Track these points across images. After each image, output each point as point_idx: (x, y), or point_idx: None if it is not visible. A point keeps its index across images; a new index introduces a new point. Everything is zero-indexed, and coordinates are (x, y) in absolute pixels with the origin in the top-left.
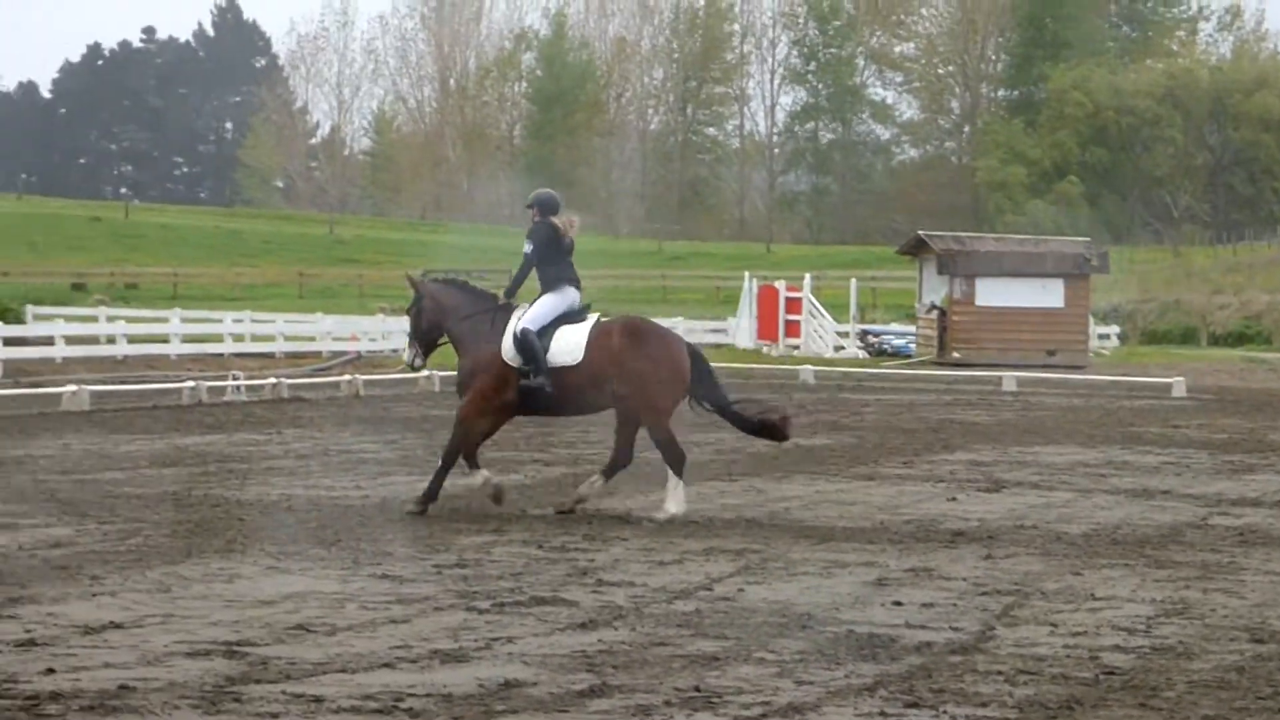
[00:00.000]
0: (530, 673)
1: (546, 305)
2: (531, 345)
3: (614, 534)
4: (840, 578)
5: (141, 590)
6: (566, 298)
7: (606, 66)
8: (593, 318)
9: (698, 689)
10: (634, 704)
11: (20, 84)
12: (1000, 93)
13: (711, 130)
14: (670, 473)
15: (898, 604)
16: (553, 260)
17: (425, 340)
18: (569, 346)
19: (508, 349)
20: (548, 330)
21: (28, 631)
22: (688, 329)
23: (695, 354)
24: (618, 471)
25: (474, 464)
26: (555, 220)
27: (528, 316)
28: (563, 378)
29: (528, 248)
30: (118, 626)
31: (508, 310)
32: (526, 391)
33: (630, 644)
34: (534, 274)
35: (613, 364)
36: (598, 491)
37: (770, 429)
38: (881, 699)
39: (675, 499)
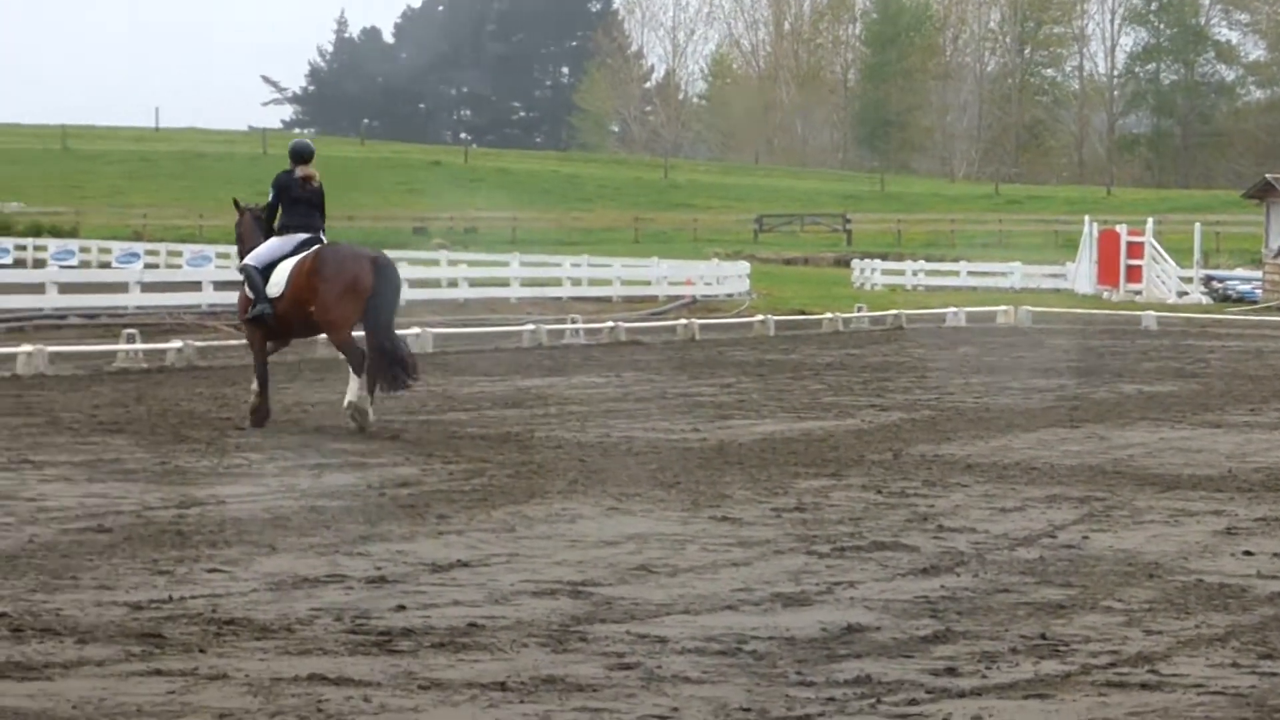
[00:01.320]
0: (872, 617)
1: (269, 247)
2: (251, 278)
3: (954, 480)
4: (1188, 526)
5: (487, 529)
6: (288, 243)
7: (943, 8)
8: (309, 252)
9: (1044, 636)
10: (979, 650)
11: (364, 30)
12: None
13: (1049, 71)
14: (351, 371)
15: (1248, 554)
16: (287, 207)
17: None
18: (278, 280)
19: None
20: (272, 267)
21: (378, 569)
22: (1025, 274)
23: (383, 273)
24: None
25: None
26: (298, 170)
27: (251, 254)
28: (276, 307)
29: (270, 194)
30: (465, 565)
31: None
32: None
33: (973, 590)
34: None
35: (306, 288)
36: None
37: (381, 377)
38: (1234, 650)
39: (352, 390)
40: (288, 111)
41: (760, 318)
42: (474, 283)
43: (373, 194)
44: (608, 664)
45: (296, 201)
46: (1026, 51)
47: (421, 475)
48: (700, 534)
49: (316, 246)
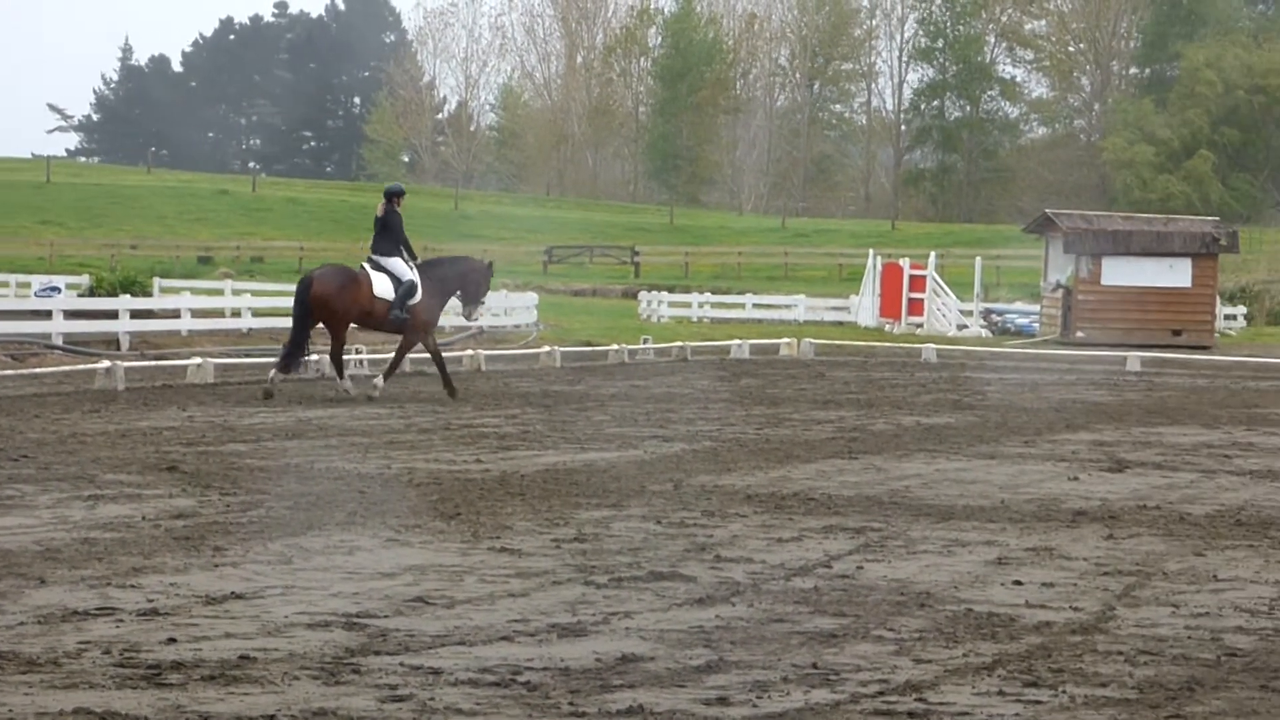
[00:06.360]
0: (647, 647)
1: None
2: None
3: (733, 510)
4: (960, 556)
5: (263, 561)
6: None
7: (734, 43)
8: None
9: (815, 666)
10: (751, 680)
11: (152, 58)
12: (1131, 70)
13: (838, 107)
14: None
15: (1018, 583)
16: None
17: None
18: None
19: None
20: None
21: (150, 601)
22: (809, 306)
23: (299, 291)
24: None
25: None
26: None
27: None
28: None
29: None
30: (239, 597)
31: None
32: None
33: (748, 620)
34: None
35: None
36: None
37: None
38: (1000, 678)
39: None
40: (74, 139)
41: (547, 349)
42: (258, 312)
43: (156, 223)
44: (380, 696)
45: (376, 229)
46: (815, 87)
47: (198, 507)
48: (479, 565)
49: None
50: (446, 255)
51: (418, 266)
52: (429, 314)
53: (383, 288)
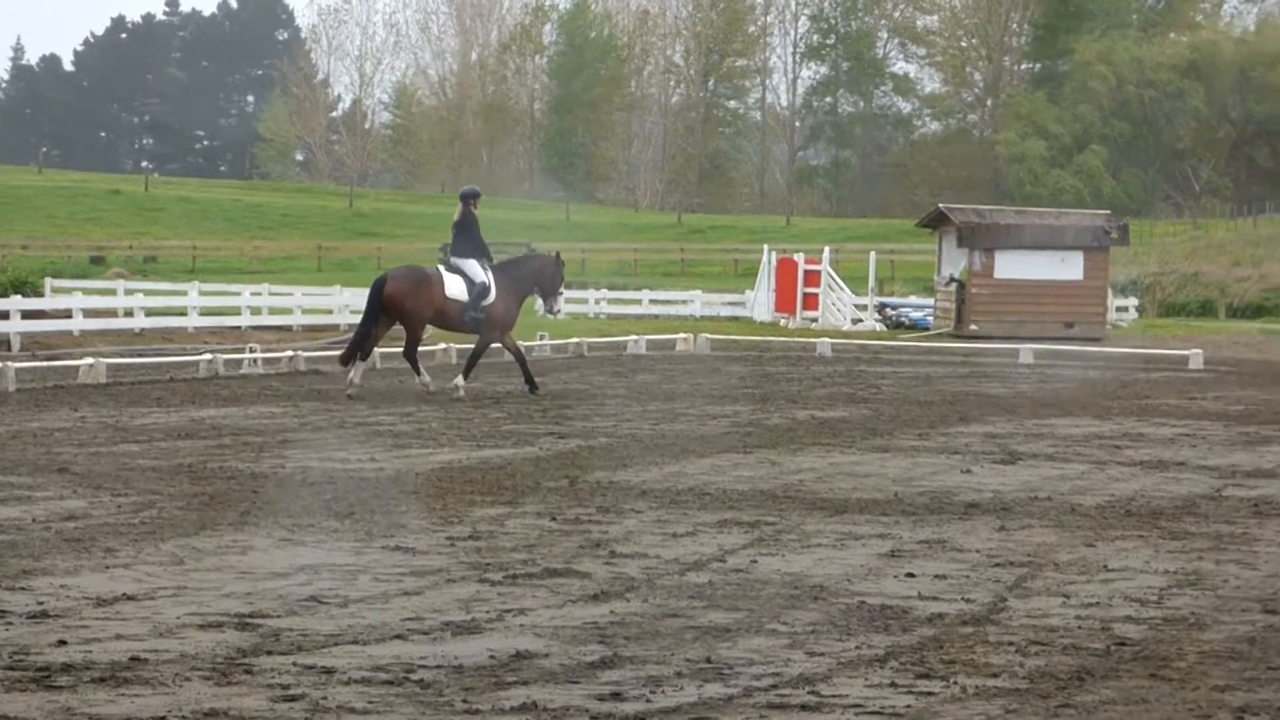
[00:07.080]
0: (542, 644)
1: None
2: None
3: (629, 506)
4: (854, 549)
5: (155, 563)
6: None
7: (628, 39)
8: None
9: (709, 660)
10: (645, 675)
11: (43, 57)
12: (1023, 65)
13: (733, 103)
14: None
15: (911, 575)
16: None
17: None
18: None
19: None
20: None
21: (40, 603)
22: (705, 302)
23: (374, 292)
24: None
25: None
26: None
27: None
28: None
29: None
30: (130, 598)
31: None
32: None
33: (642, 615)
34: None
35: None
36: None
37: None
38: (892, 670)
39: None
40: None
41: (443, 346)
42: (150, 312)
43: (48, 223)
44: (272, 696)
45: (453, 235)
46: (710, 84)
47: (89, 508)
48: (373, 564)
49: None
50: (519, 255)
51: (492, 268)
52: (506, 314)
53: (455, 289)
